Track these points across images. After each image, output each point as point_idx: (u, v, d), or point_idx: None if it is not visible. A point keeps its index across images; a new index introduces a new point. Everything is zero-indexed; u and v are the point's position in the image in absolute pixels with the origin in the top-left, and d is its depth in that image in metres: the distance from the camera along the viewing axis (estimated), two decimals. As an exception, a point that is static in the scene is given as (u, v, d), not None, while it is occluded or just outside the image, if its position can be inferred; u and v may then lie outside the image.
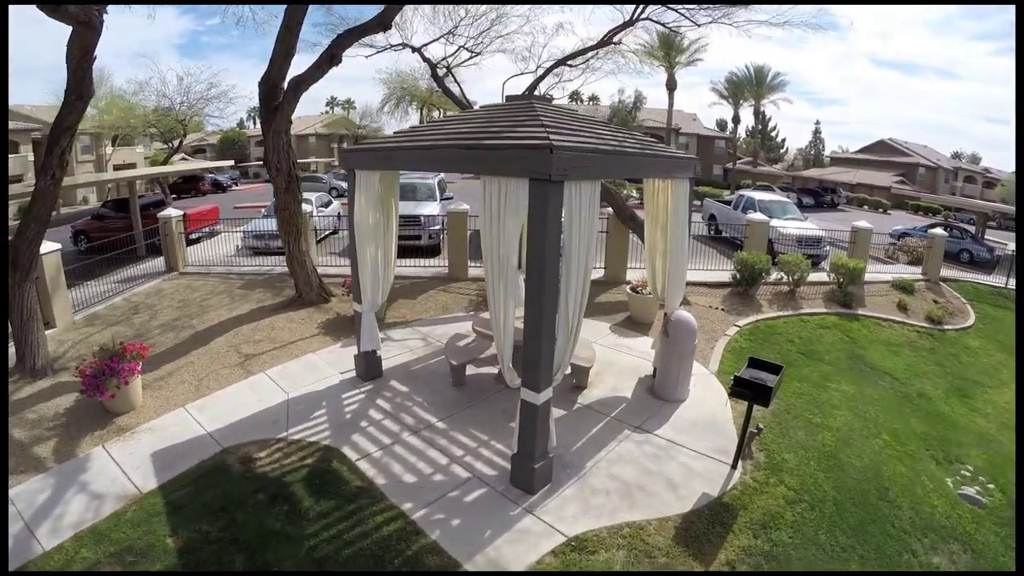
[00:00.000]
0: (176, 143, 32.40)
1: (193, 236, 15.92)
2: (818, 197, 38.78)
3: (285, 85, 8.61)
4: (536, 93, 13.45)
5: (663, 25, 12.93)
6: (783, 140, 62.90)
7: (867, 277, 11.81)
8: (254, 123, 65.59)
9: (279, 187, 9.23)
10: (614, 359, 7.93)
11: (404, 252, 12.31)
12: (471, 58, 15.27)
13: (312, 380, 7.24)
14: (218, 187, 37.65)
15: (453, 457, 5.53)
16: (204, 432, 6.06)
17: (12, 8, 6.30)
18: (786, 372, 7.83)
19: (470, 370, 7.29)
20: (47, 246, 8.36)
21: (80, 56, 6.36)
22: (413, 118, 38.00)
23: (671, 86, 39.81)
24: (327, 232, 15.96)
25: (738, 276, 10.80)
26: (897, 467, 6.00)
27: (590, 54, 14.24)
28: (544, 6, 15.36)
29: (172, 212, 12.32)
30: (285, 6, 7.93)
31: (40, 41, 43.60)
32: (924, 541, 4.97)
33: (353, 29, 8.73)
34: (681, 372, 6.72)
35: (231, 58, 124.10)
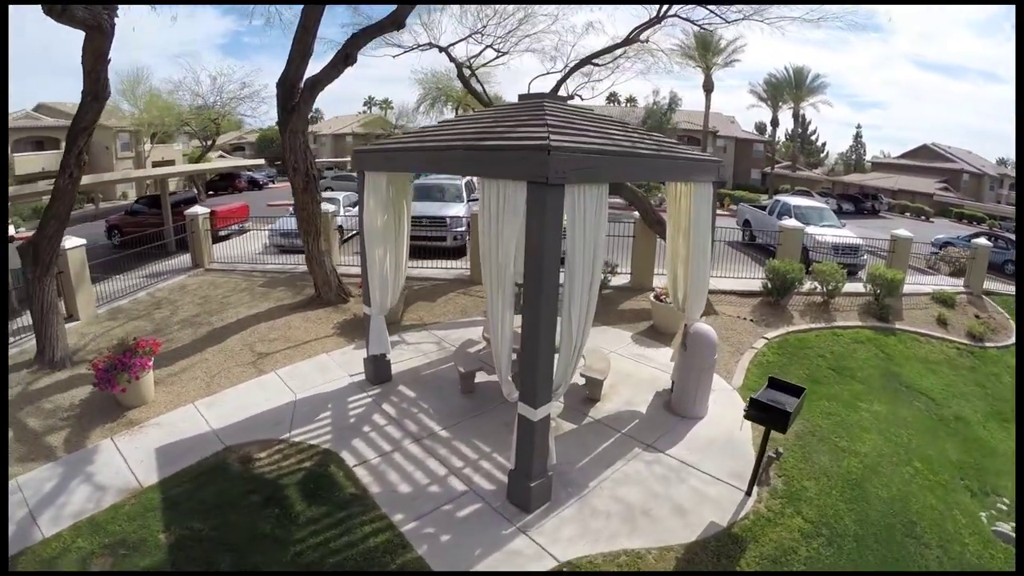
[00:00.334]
0: (209, 141, 33.20)
1: (222, 233, 16.26)
2: (858, 203, 37.48)
3: (302, 85, 8.61)
4: (562, 93, 13.25)
5: (692, 22, 12.49)
6: (823, 144, 61.04)
7: (906, 289, 11.20)
8: (291, 122, 66.71)
9: (297, 187, 9.26)
10: (632, 370, 7.64)
11: (429, 253, 12.29)
12: (497, 57, 15.12)
13: (321, 381, 7.20)
14: (254, 185, 38.59)
15: (452, 468, 5.36)
16: (209, 429, 6.08)
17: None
18: (814, 390, 7.46)
19: (480, 378, 7.10)
20: (72, 242, 8.61)
21: (94, 59, 6.49)
22: (448, 118, 38.19)
23: (708, 88, 38.93)
24: (352, 232, 16.04)
25: (769, 285, 10.31)
26: (927, 499, 5.55)
27: (617, 52, 13.90)
28: (573, 6, 15.10)
29: (199, 210, 12.57)
30: (302, 6, 7.92)
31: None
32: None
33: (367, 28, 8.68)
34: (699, 388, 6.39)
35: (269, 58, 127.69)
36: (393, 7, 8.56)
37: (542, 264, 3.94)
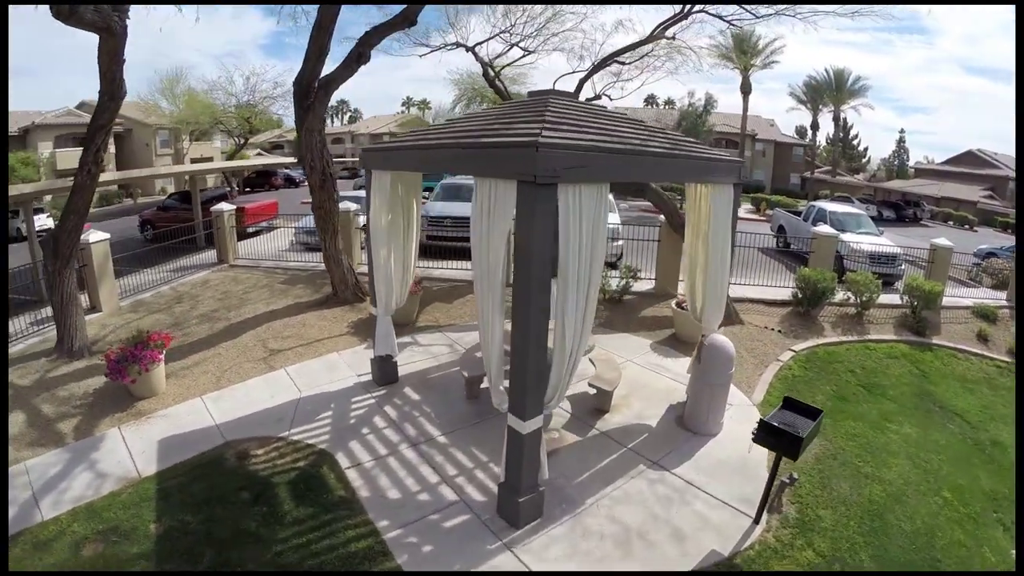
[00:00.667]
0: (242, 140, 33.99)
1: (251, 230, 16.59)
2: (900, 210, 35.84)
3: (316, 84, 8.63)
4: (588, 91, 12.98)
5: (721, 18, 12.02)
6: (865, 149, 58.52)
7: (945, 301, 10.56)
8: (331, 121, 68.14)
9: (314, 185, 9.30)
10: (647, 381, 7.35)
11: (451, 253, 12.19)
12: (523, 56, 14.96)
13: (327, 380, 7.17)
14: (290, 182, 39.44)
15: (445, 476, 5.21)
16: (213, 423, 6.13)
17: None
18: (841, 408, 7.01)
19: (487, 383, 6.93)
20: (96, 235, 8.87)
21: (108, 60, 6.61)
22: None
23: (745, 90, 37.88)
24: None
25: (799, 294, 9.82)
26: (955, 533, 5.09)
27: (644, 50, 13.53)
28: (601, 5, 14.81)
29: (224, 206, 12.82)
30: (318, 6, 7.93)
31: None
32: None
33: (379, 26, 8.61)
34: (713, 403, 6.05)
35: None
36: (402, 6, 8.51)
37: (530, 268, 3.73)
